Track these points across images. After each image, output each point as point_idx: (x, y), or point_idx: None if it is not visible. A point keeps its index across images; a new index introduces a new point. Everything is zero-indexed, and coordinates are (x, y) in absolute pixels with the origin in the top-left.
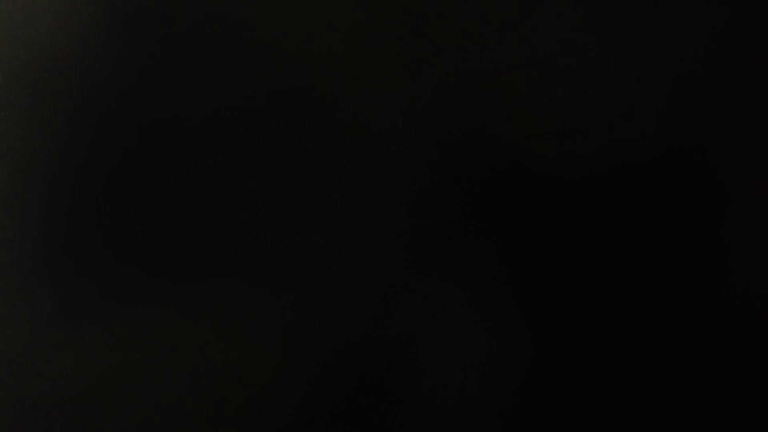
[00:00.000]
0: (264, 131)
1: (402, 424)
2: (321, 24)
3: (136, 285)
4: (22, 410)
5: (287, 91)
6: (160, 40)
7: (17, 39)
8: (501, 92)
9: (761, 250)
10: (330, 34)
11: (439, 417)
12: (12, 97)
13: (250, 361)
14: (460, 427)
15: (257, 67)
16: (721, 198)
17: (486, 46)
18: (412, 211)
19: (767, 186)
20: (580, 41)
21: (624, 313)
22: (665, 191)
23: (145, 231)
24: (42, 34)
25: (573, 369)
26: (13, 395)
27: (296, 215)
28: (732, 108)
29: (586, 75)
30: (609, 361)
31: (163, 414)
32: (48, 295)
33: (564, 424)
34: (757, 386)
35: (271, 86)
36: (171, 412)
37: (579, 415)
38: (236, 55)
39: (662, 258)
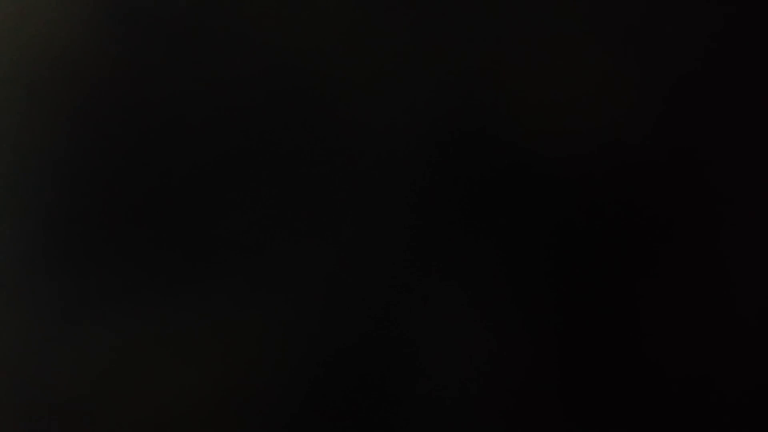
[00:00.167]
0: (264, 131)
1: (402, 424)
2: (321, 24)
3: (136, 285)
4: (22, 410)
5: (287, 91)
6: (160, 40)
7: (17, 39)
8: (501, 92)
9: (760, 250)
10: (330, 34)
11: (439, 417)
12: (12, 97)
13: (250, 361)
14: (460, 427)
15: (257, 67)
16: (720, 198)
17: (486, 46)
18: (412, 211)
19: (766, 187)
20: (580, 41)
21: (624, 313)
22: (665, 191)
23: (145, 231)
24: (42, 34)
25: (573, 369)
26: (13, 395)
27: (296, 215)
28: (732, 109)
29: (586, 75)
30: (609, 361)
31: (163, 414)
32: (48, 294)
33: (564, 424)
34: (757, 387)
35: (271, 86)
36: (171, 411)
37: (579, 415)
38: (236, 55)
39: (662, 258)
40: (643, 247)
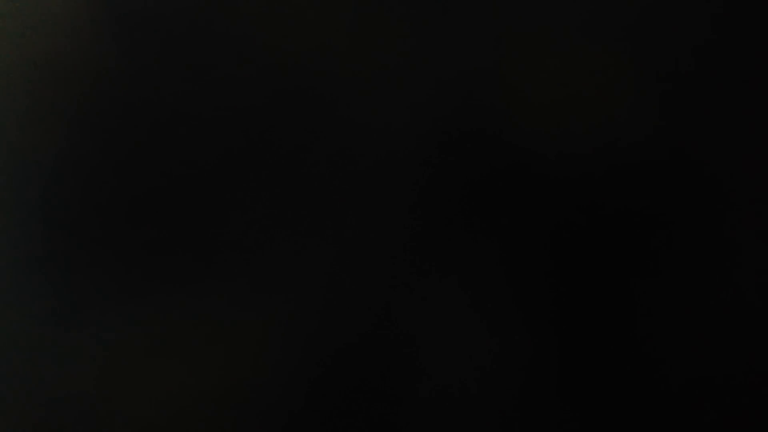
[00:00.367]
0: (264, 131)
1: (402, 424)
2: (321, 24)
3: (135, 285)
4: (21, 410)
5: (287, 91)
6: (160, 40)
7: (17, 39)
8: (501, 92)
9: (760, 250)
10: (330, 34)
11: (439, 417)
12: (12, 97)
13: (250, 361)
14: (460, 427)
15: (257, 66)
16: (720, 198)
17: (486, 46)
18: (412, 210)
19: (766, 186)
20: (580, 41)
21: (624, 313)
22: (665, 191)
23: (144, 231)
24: (42, 34)
25: (573, 369)
26: (13, 395)
27: (296, 215)
28: (732, 108)
29: (586, 75)
30: (609, 361)
31: (163, 414)
32: (47, 295)
33: (564, 424)
34: (757, 386)
35: (271, 86)
36: (171, 412)
37: (579, 415)
38: (236, 55)
39: (662, 258)
40: (643, 247)
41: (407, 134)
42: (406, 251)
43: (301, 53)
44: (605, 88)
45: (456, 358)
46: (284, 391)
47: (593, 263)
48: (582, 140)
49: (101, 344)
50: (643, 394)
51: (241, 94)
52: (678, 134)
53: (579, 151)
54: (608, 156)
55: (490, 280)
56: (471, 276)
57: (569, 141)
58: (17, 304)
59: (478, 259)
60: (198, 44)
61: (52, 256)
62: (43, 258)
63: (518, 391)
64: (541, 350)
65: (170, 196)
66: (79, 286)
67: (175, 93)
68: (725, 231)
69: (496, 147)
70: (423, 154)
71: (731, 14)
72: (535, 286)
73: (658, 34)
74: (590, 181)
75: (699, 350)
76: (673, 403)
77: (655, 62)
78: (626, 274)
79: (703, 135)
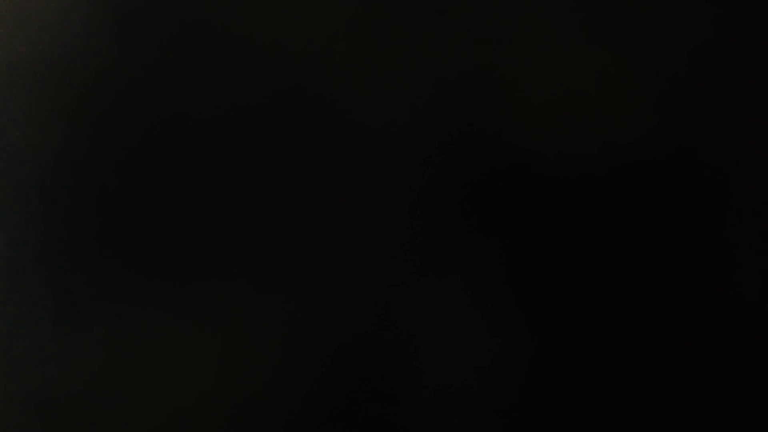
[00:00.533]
0: (264, 131)
1: (402, 424)
2: (321, 24)
3: (135, 285)
4: (20, 410)
5: (287, 91)
6: (159, 40)
7: (17, 38)
8: (501, 92)
9: (761, 250)
10: (330, 34)
11: (439, 417)
12: (12, 97)
13: (250, 361)
14: (461, 427)
15: (257, 66)
16: (720, 198)
17: (486, 46)
18: (412, 210)
19: (767, 186)
20: (580, 41)
21: (624, 312)
22: (665, 191)
23: (144, 231)
24: (42, 34)
25: (573, 368)
26: (12, 396)
27: (296, 215)
28: (732, 108)
29: (586, 75)
30: (609, 360)
31: (163, 414)
32: (47, 295)
33: (564, 424)
34: (757, 386)
35: (271, 86)
36: (170, 412)
37: (579, 415)
38: (236, 55)
39: (662, 257)
40: (643, 247)
41: (407, 134)
42: (406, 251)
43: (301, 53)
44: (605, 88)
45: (456, 358)
46: (284, 391)
47: (593, 263)
48: (582, 140)
49: (101, 344)
50: (643, 394)
51: (241, 94)
52: (678, 134)
53: (579, 151)
54: (608, 156)
55: (490, 280)
56: (471, 276)
57: (569, 141)
58: (17, 304)
59: (478, 259)
60: (198, 44)
61: (52, 255)
62: (42, 258)
63: (518, 391)
64: (541, 350)
65: (170, 196)
66: (78, 286)
67: (175, 92)
68: (726, 231)
69: (496, 147)
70: (423, 154)
71: (731, 14)
72: (535, 285)
73: (658, 34)
74: (590, 181)
75: (699, 350)
76: (673, 402)
77: (655, 62)
78: (626, 273)
79: (703, 135)
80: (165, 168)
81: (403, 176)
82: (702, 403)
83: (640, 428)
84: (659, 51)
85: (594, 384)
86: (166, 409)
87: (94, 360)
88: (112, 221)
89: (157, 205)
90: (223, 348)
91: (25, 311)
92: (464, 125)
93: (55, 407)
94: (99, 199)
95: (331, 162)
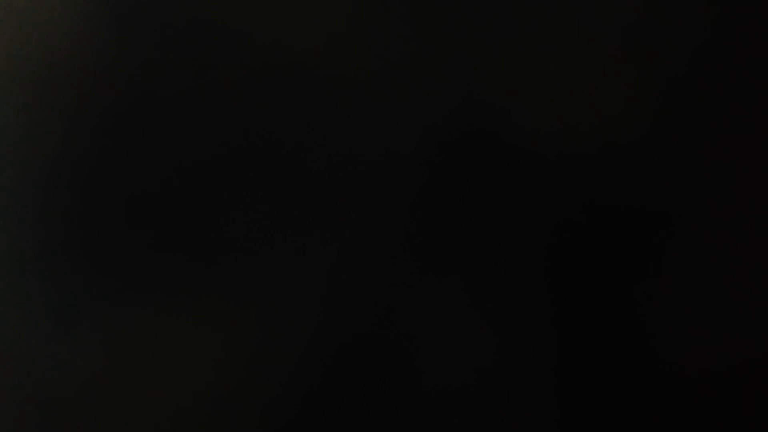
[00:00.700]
0: (264, 131)
1: (402, 424)
2: (322, 24)
3: (136, 284)
4: (20, 410)
5: (287, 91)
6: (160, 40)
7: (17, 38)
8: (501, 92)
9: (761, 249)
10: (331, 34)
11: (439, 417)
12: (12, 97)
13: (250, 361)
14: (461, 427)
15: (257, 67)
16: (720, 197)
17: (486, 46)
18: (412, 210)
19: (767, 186)
20: (580, 41)
21: (624, 312)
22: (665, 191)
23: (145, 231)
24: (42, 34)
25: (573, 368)
26: (12, 395)
27: (296, 215)
28: (731, 108)
29: (586, 75)
30: (609, 360)
31: (163, 414)
32: (47, 295)
33: (564, 424)
34: (757, 385)
35: (271, 86)
36: (170, 412)
37: (579, 415)
38: (236, 55)
39: (662, 257)
40: (643, 247)
41: (407, 134)
42: (406, 251)
43: (301, 53)
44: (605, 88)
45: (456, 358)
46: (284, 390)
47: (593, 263)
48: (582, 140)
49: (101, 344)
50: (643, 394)
51: (242, 94)
52: (678, 134)
53: (579, 151)
54: (608, 156)
55: (490, 280)
56: (471, 276)
57: (569, 141)
58: (17, 303)
59: (478, 259)
60: (198, 44)
61: (52, 255)
62: (43, 258)
63: (518, 391)
64: (541, 350)
65: (170, 196)
66: (79, 286)
67: (176, 92)
68: (725, 230)
69: (496, 147)
70: (423, 154)
71: (731, 14)
72: (535, 285)
73: (658, 33)
74: (590, 181)
75: (699, 349)
76: (673, 402)
77: (655, 62)
78: (626, 273)
79: (703, 134)
80: (165, 168)
81: (403, 176)
82: (702, 402)
83: (639, 428)
84: (659, 51)
85: (594, 383)
86: (166, 409)
87: (94, 360)
88: (112, 221)
89: (157, 205)
90: (223, 348)
91: (25, 311)
92: (464, 125)
93: (55, 407)
94: (99, 199)
95: (331, 162)
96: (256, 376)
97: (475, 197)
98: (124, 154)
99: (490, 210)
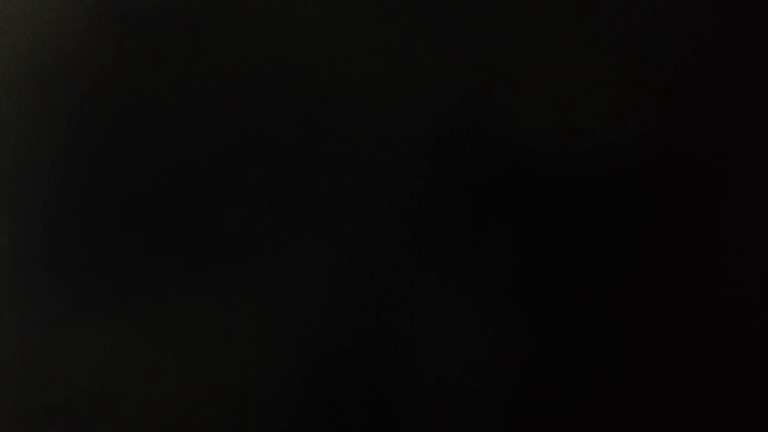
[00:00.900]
0: (263, 131)
1: (402, 424)
2: (321, 24)
3: (135, 285)
4: (20, 410)
5: (287, 91)
6: (160, 40)
7: (18, 38)
8: (501, 92)
9: (760, 249)
10: (330, 34)
11: (439, 416)
12: (12, 97)
13: (250, 361)
14: (460, 426)
15: (257, 67)
16: (720, 197)
17: (486, 46)
18: (413, 211)
19: (767, 185)
20: (580, 41)
21: (624, 311)
22: (665, 190)
23: (145, 231)
24: (42, 34)
25: (573, 368)
26: (12, 395)
27: (296, 215)
28: (732, 108)
29: (586, 75)
30: (609, 359)
31: (163, 414)
32: (47, 295)
33: (564, 423)
34: (757, 385)
35: (270, 86)
36: (170, 411)
37: (579, 414)
38: (236, 55)
39: (662, 256)
40: (643, 246)
41: (407, 134)
42: (406, 251)
43: (301, 53)
44: (605, 88)
45: (456, 358)
46: (284, 390)
47: (593, 262)
48: (582, 140)
49: (101, 344)
50: (643, 393)
51: (241, 94)
52: (678, 133)
53: (579, 150)
54: (608, 155)
55: (491, 280)
56: (471, 276)
57: (569, 140)
58: (18, 304)
59: (478, 259)
60: (198, 44)
61: (53, 256)
62: (43, 258)
63: (519, 391)
64: (541, 349)
65: (170, 196)
66: (79, 286)
67: (175, 92)
68: (726, 229)
69: (496, 147)
70: (423, 153)
71: (731, 13)
72: (536, 285)
73: (658, 33)
74: (591, 180)
75: (699, 349)
76: (672, 401)
77: (655, 62)
78: (626, 273)
79: (703, 134)
80: (165, 168)
81: (403, 176)
82: (701, 401)
83: (639, 427)
84: (659, 51)
85: (593, 383)
86: (167, 409)
87: (95, 360)
88: (113, 221)
89: (157, 205)
90: (223, 348)
91: (26, 311)
92: (464, 125)
93: (56, 407)
94: (99, 199)
95: (331, 161)
96: (256, 376)
97: (475, 197)
98: (124, 154)
99: (490, 210)
